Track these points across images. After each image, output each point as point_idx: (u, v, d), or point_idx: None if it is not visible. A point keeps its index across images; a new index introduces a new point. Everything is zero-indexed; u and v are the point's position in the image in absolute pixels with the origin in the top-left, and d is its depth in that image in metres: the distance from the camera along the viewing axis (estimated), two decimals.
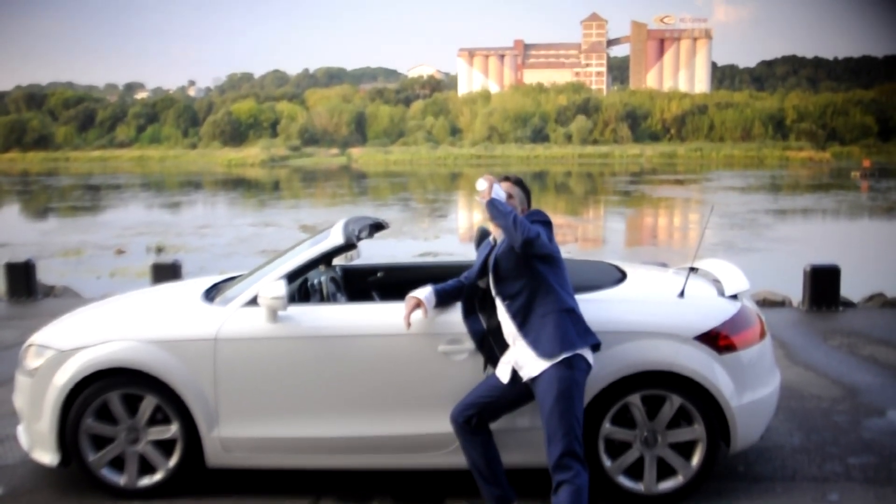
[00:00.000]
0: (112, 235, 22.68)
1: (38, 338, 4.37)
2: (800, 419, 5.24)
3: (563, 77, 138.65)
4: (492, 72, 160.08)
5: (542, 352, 3.47)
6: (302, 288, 4.62)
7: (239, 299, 4.16)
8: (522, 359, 3.55)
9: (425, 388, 3.95)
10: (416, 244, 19.75)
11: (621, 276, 4.46)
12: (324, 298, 4.81)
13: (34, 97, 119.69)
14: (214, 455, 4.09)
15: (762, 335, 4.16)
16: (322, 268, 4.97)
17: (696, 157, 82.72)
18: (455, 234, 23.16)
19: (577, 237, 23.19)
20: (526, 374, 3.54)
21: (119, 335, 4.13)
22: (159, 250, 19.05)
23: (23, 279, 9.87)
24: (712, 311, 4.05)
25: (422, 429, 3.96)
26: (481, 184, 3.57)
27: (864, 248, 20.52)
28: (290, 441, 4.05)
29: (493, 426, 3.77)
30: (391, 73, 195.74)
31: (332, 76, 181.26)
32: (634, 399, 3.90)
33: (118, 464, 4.15)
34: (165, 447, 4.12)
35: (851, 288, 9.28)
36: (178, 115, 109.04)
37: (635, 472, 3.97)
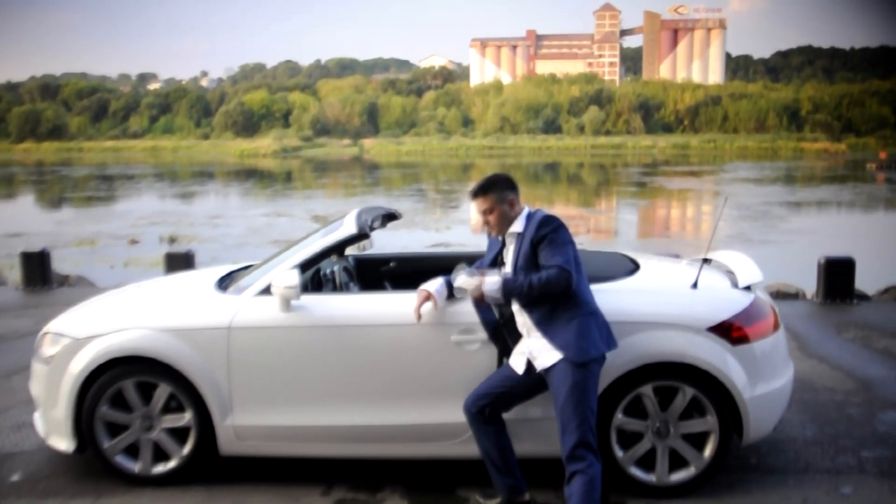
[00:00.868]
0: (126, 225, 22.82)
1: (53, 326, 4.40)
2: (813, 411, 5.21)
3: (575, 68, 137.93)
4: (504, 62, 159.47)
5: (563, 349, 3.44)
6: (315, 277, 4.64)
7: (252, 288, 4.18)
8: (537, 349, 3.54)
9: (437, 378, 3.96)
10: (428, 234, 19.77)
11: (634, 267, 4.45)
12: (336, 288, 4.82)
13: (48, 88, 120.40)
14: (227, 443, 4.11)
15: (776, 327, 4.14)
16: (335, 257, 4.99)
17: (709, 149, 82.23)
18: (467, 224, 23.12)
19: (589, 228, 23.14)
20: (540, 365, 3.53)
21: (133, 324, 4.16)
22: (172, 240, 19.15)
23: (38, 268, 9.95)
24: (725, 303, 4.03)
25: (434, 418, 3.97)
26: (464, 282, 3.51)
27: (880, 240, 20.37)
28: (303, 430, 4.07)
29: (506, 416, 3.77)
30: (403, 64, 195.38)
31: (345, 67, 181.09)
32: (647, 390, 3.90)
33: (133, 451, 4.18)
34: (179, 435, 4.16)
35: (866, 281, 9.22)
36: (191, 106, 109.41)
37: (647, 462, 3.97)
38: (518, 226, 3.59)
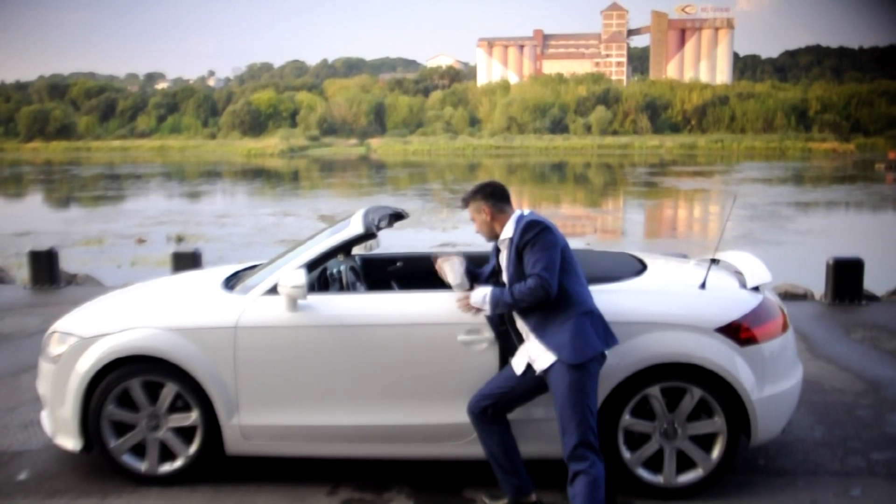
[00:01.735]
0: (133, 225, 22.88)
1: (60, 325, 4.41)
2: (822, 413, 5.18)
3: (582, 67, 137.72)
4: (511, 62, 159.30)
5: (557, 351, 3.44)
6: (321, 277, 4.63)
7: (259, 288, 4.18)
8: (535, 352, 3.55)
9: (444, 378, 3.95)
10: (434, 234, 19.77)
11: (642, 268, 4.43)
12: (343, 288, 4.81)
13: (57, 87, 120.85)
14: (234, 442, 4.11)
15: (784, 328, 4.12)
16: (341, 257, 4.98)
17: (716, 149, 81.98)
18: (473, 224, 23.07)
19: (596, 228, 23.10)
20: (538, 367, 3.53)
21: (140, 323, 4.16)
22: (179, 239, 19.20)
23: (46, 267, 9.98)
24: (734, 303, 4.01)
25: (440, 418, 3.96)
26: (456, 286, 3.68)
27: (889, 240, 20.28)
28: (309, 429, 4.07)
29: (511, 417, 3.76)
30: (410, 64, 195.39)
31: (352, 66, 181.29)
32: (654, 391, 3.88)
33: (139, 450, 4.19)
34: (186, 434, 4.16)
35: (875, 281, 9.17)
36: (198, 105, 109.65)
37: (655, 464, 3.95)
38: (508, 231, 3.62)
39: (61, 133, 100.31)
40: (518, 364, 3.66)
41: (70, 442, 4.22)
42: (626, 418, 3.90)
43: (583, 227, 23.08)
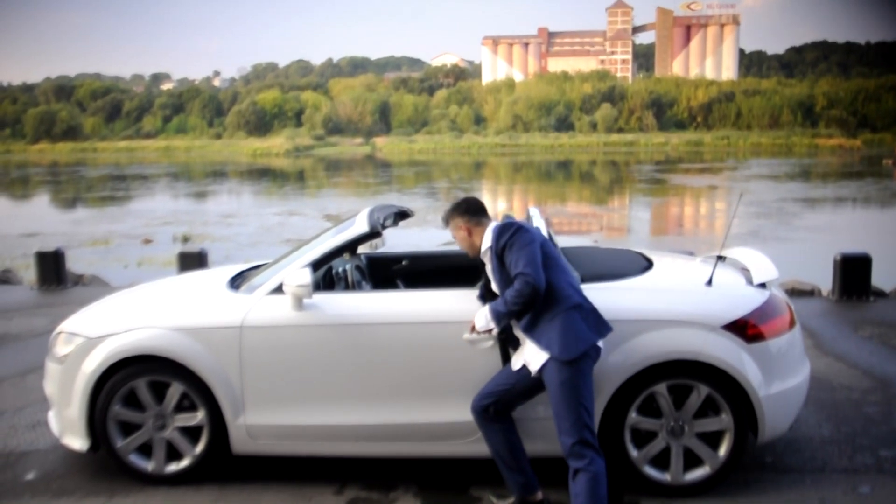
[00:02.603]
0: (139, 225, 22.93)
1: (67, 325, 4.42)
2: (829, 410, 5.16)
3: (587, 65, 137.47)
4: (516, 60, 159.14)
5: (548, 348, 3.44)
6: (327, 276, 4.63)
7: (264, 287, 4.18)
8: (529, 353, 3.55)
9: (450, 376, 3.94)
10: (440, 233, 19.71)
11: (648, 265, 4.41)
12: (349, 286, 4.81)
13: (63, 89, 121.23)
14: (240, 442, 4.12)
15: (791, 324, 4.10)
16: (347, 256, 4.98)
17: (722, 146, 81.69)
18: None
19: (602, 226, 23.05)
20: (533, 368, 3.53)
21: (146, 323, 4.16)
22: (185, 239, 19.23)
23: (52, 268, 10.01)
24: (740, 300, 3.99)
25: (446, 417, 3.95)
26: (478, 324, 3.62)
27: None
28: (315, 428, 4.06)
29: (515, 415, 3.76)
30: (415, 62, 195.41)
31: (357, 65, 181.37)
32: (661, 388, 3.86)
33: (146, 450, 4.20)
34: (192, 434, 4.16)
35: (883, 277, 9.12)
36: (204, 106, 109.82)
37: (662, 462, 3.94)
38: (487, 241, 3.62)
39: (68, 134, 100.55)
40: (516, 362, 3.67)
41: (77, 442, 4.23)
42: (633, 416, 3.89)
43: (589, 225, 23.05)
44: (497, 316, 3.52)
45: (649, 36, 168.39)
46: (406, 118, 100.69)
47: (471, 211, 3.70)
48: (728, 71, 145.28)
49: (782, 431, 4.11)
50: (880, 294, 8.80)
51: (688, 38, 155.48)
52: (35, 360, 6.32)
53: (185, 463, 4.17)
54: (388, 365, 3.99)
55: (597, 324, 3.53)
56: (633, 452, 3.92)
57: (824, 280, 9.09)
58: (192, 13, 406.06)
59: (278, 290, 4.09)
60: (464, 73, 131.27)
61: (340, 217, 20.35)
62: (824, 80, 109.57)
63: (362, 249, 5.17)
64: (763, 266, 4.18)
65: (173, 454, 4.19)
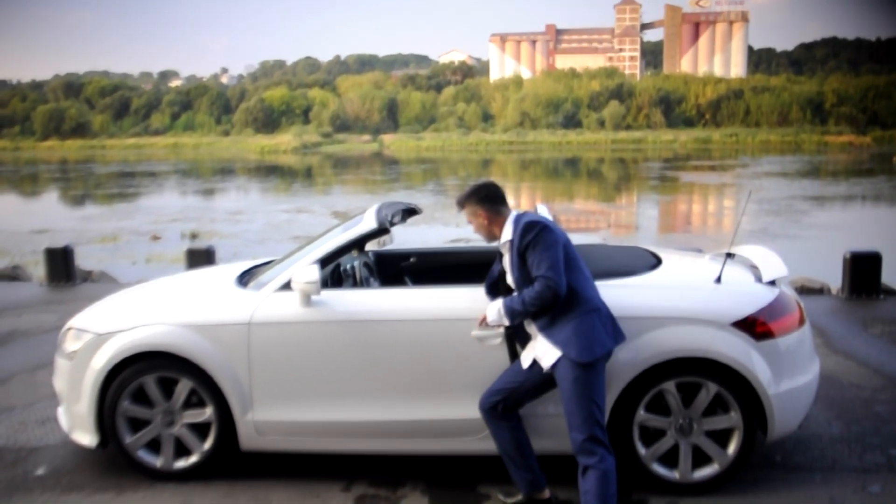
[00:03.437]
0: (148, 222, 23.00)
1: (76, 321, 4.44)
2: (839, 408, 5.13)
3: (595, 62, 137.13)
4: (524, 57, 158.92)
5: (564, 348, 3.41)
6: (335, 273, 4.63)
7: (272, 284, 4.18)
8: (542, 350, 3.53)
9: (458, 373, 3.94)
10: (447, 230, 19.73)
11: (656, 262, 4.40)
12: (356, 283, 4.81)
13: (72, 86, 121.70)
14: (248, 438, 4.12)
15: (801, 322, 4.07)
16: (355, 253, 4.99)
17: (731, 143, 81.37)
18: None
19: (610, 223, 22.99)
20: (545, 364, 3.51)
21: (155, 319, 4.17)
22: (194, 236, 19.28)
23: (62, 264, 10.05)
24: (750, 298, 3.97)
25: (454, 414, 3.95)
26: (489, 318, 3.58)
27: None
28: (323, 425, 4.07)
29: (523, 412, 3.75)
30: (423, 60, 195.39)
31: (364, 63, 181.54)
32: (669, 386, 3.85)
33: (155, 446, 4.21)
34: (200, 430, 4.17)
35: (893, 275, 9.07)
36: (212, 103, 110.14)
37: (670, 459, 3.93)
38: (507, 233, 3.55)
39: (76, 131, 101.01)
40: (526, 359, 3.65)
41: (86, 438, 4.25)
42: (642, 414, 3.88)
43: (597, 223, 22.99)
44: (511, 313, 3.49)
45: (658, 33, 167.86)
46: (414, 115, 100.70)
47: (490, 199, 3.59)
48: (737, 68, 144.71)
49: (792, 430, 4.09)
50: (890, 292, 8.74)
51: (696, 35, 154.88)
52: (44, 357, 6.34)
53: (193, 459, 4.18)
54: (396, 362, 3.99)
55: (613, 330, 3.52)
56: (642, 450, 3.91)
57: (834, 278, 9.05)
58: (200, 11, 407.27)
59: (286, 286, 4.09)
60: (471, 71, 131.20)
61: (348, 214, 20.34)
62: (834, 77, 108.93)
63: (370, 246, 5.17)
64: (772, 263, 4.15)
65: (182, 450, 4.20)
